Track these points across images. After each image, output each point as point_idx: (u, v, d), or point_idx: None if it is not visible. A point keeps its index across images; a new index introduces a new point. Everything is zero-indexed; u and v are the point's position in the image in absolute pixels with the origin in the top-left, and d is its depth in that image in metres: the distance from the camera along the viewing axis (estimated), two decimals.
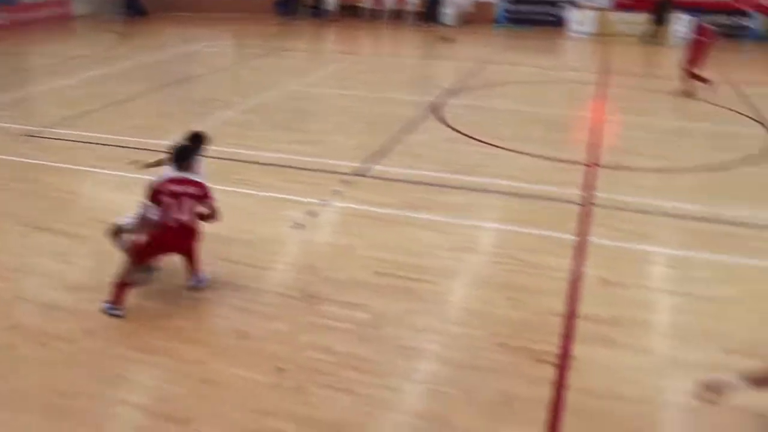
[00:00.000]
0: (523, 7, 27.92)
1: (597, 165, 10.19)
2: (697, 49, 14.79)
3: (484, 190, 9.09)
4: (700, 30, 14.98)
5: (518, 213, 8.36)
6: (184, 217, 5.90)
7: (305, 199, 8.59)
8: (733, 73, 18.26)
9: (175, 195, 5.89)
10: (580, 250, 7.37)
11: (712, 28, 15.03)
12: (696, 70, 14.76)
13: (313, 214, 8.22)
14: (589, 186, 9.28)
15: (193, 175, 5.90)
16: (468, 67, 18.41)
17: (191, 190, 5.94)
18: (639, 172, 10.02)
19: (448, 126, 12.24)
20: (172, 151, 5.78)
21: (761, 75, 18.33)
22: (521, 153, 10.71)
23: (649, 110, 14.05)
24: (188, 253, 6.18)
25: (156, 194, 5.90)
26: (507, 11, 28.08)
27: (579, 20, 26.37)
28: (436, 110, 13.35)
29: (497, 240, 7.72)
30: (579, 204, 8.62)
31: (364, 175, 9.54)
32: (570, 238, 7.64)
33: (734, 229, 8.03)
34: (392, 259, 7.09)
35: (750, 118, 13.46)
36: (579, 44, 24.75)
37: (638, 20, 25.39)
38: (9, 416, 4.81)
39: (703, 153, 11.13)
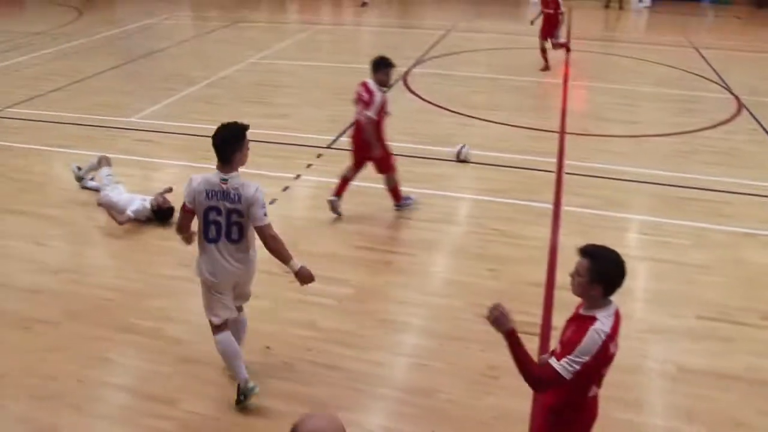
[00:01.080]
0: None
1: (567, 132, 10.31)
2: (545, 22, 14.06)
3: (458, 161, 9.14)
4: (541, 2, 14.25)
5: (493, 182, 8.44)
6: None
7: (279, 174, 8.55)
8: (695, 37, 18.54)
9: None
10: (555, 218, 7.49)
11: None
12: (546, 43, 14.04)
13: (288, 189, 8.19)
14: (561, 154, 9.39)
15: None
16: (433, 35, 18.33)
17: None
18: (608, 138, 10.16)
19: (418, 96, 12.23)
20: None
21: (721, 39, 18.61)
22: (492, 122, 10.78)
23: (614, 76, 14.20)
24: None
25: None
26: None
27: None
28: (405, 80, 13.30)
29: (473, 210, 7.80)
30: (552, 172, 8.72)
31: (337, 148, 9.52)
32: (545, 206, 7.76)
33: (704, 194, 8.23)
34: (370, 233, 7.12)
35: (715, 83, 13.70)
36: (538, 9, 24.81)
37: None
38: None
39: (671, 118, 11.32)
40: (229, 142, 4.28)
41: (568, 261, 6.49)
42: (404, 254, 6.75)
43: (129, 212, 7.24)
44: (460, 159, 8.99)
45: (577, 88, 13.26)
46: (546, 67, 14.09)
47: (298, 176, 8.55)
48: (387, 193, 7.60)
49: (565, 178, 8.55)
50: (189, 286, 5.77)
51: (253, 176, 8.22)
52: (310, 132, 10.17)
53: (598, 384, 3.21)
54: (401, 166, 8.74)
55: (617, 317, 3.13)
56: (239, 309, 4.86)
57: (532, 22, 14.36)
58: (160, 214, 7.35)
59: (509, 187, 8.28)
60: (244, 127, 4.32)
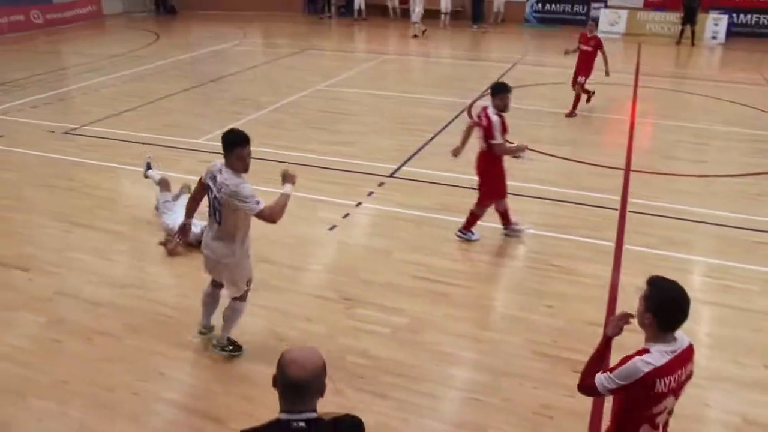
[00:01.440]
0: (552, 6, 27.71)
1: (633, 169, 10.11)
2: (581, 60, 13.22)
3: (519, 194, 9.05)
4: (581, 37, 13.27)
5: (554, 218, 8.32)
6: None
7: (341, 201, 8.64)
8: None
9: None
10: (616, 257, 7.32)
11: (593, 33, 13.07)
12: (579, 84, 13.21)
13: (349, 215, 8.27)
14: (625, 191, 9.20)
15: None
16: (499, 68, 18.32)
17: None
18: (676, 177, 9.91)
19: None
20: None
21: None
22: (555, 156, 10.66)
23: (684, 113, 13.88)
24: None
25: None
26: (536, 10, 27.91)
27: (609, 20, 26.15)
28: (469, 112, 13.32)
29: (533, 245, 7.70)
30: (615, 209, 8.55)
31: (399, 177, 9.58)
32: (606, 244, 7.60)
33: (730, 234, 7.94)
34: (428, 263, 7.10)
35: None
36: (610, 44, 24.50)
37: (669, 20, 25.14)
38: (53, 406, 4.92)
39: (742, 158, 10.98)
40: (223, 144, 4.90)
41: (629, 301, 6.40)
42: (462, 287, 6.70)
43: (175, 239, 7.07)
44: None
45: (645, 125, 13.01)
46: (572, 113, 13.14)
47: (359, 204, 8.62)
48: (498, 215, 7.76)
49: (629, 216, 8.37)
50: (248, 308, 5.86)
51: (315, 202, 8.46)
52: (374, 160, 10.26)
53: (652, 425, 3.12)
54: (463, 198, 8.74)
55: (681, 358, 3.05)
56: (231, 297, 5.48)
57: (566, 53, 13.56)
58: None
59: (571, 223, 8.15)
60: (235, 140, 4.86)
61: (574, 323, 6.06)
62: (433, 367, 5.47)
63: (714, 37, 24.23)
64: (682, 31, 23.64)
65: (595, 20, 13.56)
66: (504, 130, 7.19)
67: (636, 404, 2.99)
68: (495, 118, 7.08)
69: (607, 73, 13.15)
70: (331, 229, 7.89)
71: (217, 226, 5.11)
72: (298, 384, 2.47)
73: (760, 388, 5.31)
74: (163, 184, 8.12)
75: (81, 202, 8.67)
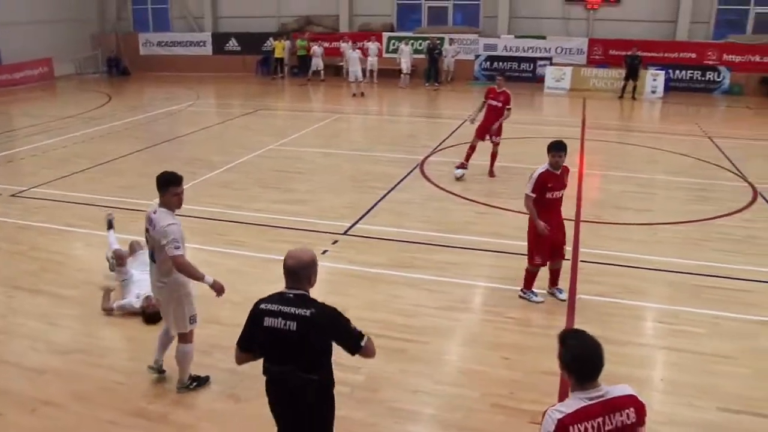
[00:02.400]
0: (499, 64, 28.58)
1: (583, 220, 10.33)
2: (488, 115, 12.72)
3: (473, 248, 9.15)
4: (490, 92, 12.79)
5: (507, 270, 8.40)
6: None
7: None
8: (708, 126, 18.76)
9: None
10: (570, 306, 7.41)
11: (502, 88, 12.61)
12: (495, 143, 12.95)
13: None
14: (576, 241, 9.37)
15: None
16: (450, 125, 18.73)
17: None
18: (623, 226, 10.16)
19: (434, 184, 12.38)
20: None
21: (734, 129, 18.81)
22: (508, 210, 10.84)
23: (629, 164, 14.33)
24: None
25: None
26: (484, 68, 28.75)
27: (555, 76, 27.09)
28: (422, 168, 13.52)
29: (488, 298, 7.75)
30: (567, 260, 8.68)
31: (352, 235, 9.60)
32: (560, 295, 7.68)
33: (722, 282, 8.13)
34: (384, 319, 7.06)
35: (729, 171, 13.77)
36: (555, 100, 25.30)
37: (611, 75, 26.18)
38: None
39: (685, 206, 11.35)
40: (157, 184, 5.47)
41: None
42: (418, 342, 6.67)
43: (115, 305, 7.14)
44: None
45: (593, 177, 13.36)
46: (463, 165, 12.73)
47: None
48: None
49: (581, 266, 8.51)
50: (199, 370, 5.72)
51: (267, 261, 8.39)
52: (327, 218, 10.28)
53: None
54: (415, 253, 8.79)
55: (607, 405, 3.08)
56: (177, 338, 5.80)
57: (472, 121, 12.98)
58: (146, 316, 7.05)
59: (516, 276, 8.20)
60: (169, 179, 5.45)
61: (532, 374, 6.07)
62: (392, 426, 5.38)
63: (653, 92, 25.30)
64: (624, 86, 24.62)
65: (503, 74, 13.41)
66: (543, 186, 7.25)
67: None
68: (538, 171, 7.27)
69: (493, 131, 12.61)
70: None
71: (154, 264, 5.51)
72: (293, 270, 3.89)
73: (714, 430, 5.36)
74: (119, 259, 7.70)
75: (26, 266, 8.42)
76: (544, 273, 7.68)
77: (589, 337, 3.19)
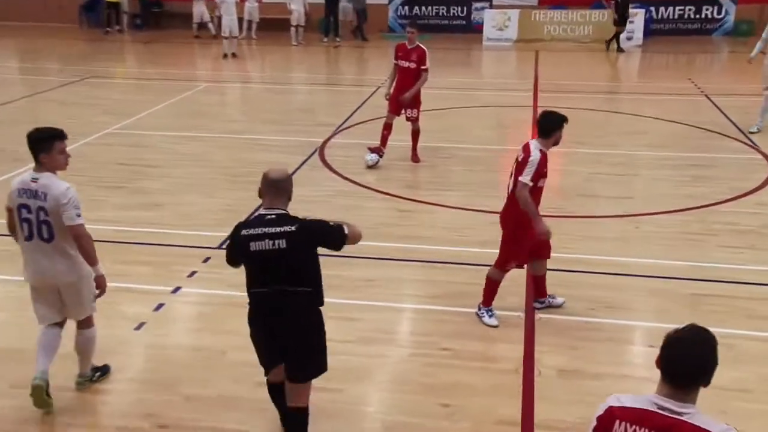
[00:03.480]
0: (422, 9, 28.97)
1: (542, 215, 10.57)
2: (399, 81, 12.94)
3: (395, 259, 9.25)
4: (398, 50, 12.93)
5: (443, 286, 8.53)
6: None
7: (150, 287, 8.48)
8: (706, 81, 19.52)
9: None
10: (528, 330, 7.59)
11: (414, 43, 12.71)
12: (412, 118, 13.08)
13: (162, 307, 8.10)
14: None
15: None
16: (357, 94, 18.85)
17: None
18: (596, 220, 10.54)
19: (340, 175, 12.43)
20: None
21: (741, 82, 19.43)
22: (440, 206, 11.02)
23: (599, 137, 14.82)
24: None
25: None
26: (401, 15, 29.09)
27: (497, 23, 27.64)
28: (321, 154, 13.59)
29: (417, 324, 7.84)
30: (521, 268, 8.90)
31: None
32: (513, 314, 7.87)
33: (728, 289, 8.48)
34: None
35: (735, 139, 14.48)
36: (498, 55, 25.90)
37: (572, 20, 26.87)
38: None
39: (678, 189, 11.84)
40: (35, 144, 5.88)
41: (551, 387, 6.64)
42: (327, 390, 6.65)
43: None
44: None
45: (551, 157, 13.70)
46: (378, 149, 12.97)
47: (177, 289, 8.48)
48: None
49: None
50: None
51: (115, 291, 8.20)
52: (195, 227, 10.19)
53: None
54: (322, 269, 8.79)
55: (665, 420, 3.33)
56: (78, 324, 6.41)
57: (387, 96, 13.08)
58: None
59: (466, 291, 8.34)
60: (53, 134, 5.95)
61: (483, 425, 6.19)
62: None
63: (629, 38, 26.00)
64: (617, 34, 25.06)
65: (414, 23, 13.36)
66: (540, 173, 7.38)
67: None
68: (536, 154, 7.34)
69: (403, 102, 12.75)
70: (137, 327, 7.68)
71: (47, 244, 5.97)
72: (275, 183, 5.27)
73: None
74: None
75: None
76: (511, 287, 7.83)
77: (696, 332, 3.45)
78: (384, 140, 12.97)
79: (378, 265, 9.08)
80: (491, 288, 7.78)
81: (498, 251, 7.78)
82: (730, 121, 15.67)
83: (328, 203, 11.06)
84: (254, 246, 5.09)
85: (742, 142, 14.35)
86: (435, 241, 9.74)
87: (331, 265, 8.85)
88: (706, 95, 18.02)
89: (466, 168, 12.95)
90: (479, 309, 7.83)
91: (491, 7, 28.25)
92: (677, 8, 27.11)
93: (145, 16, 28.73)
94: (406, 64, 12.72)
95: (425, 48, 12.80)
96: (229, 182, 12.16)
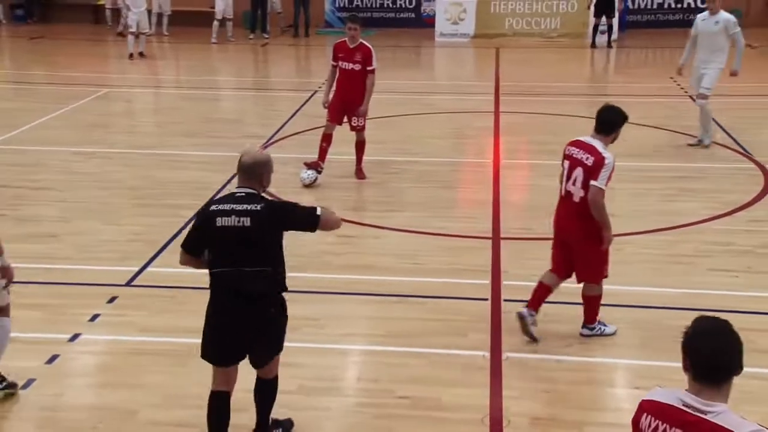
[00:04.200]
0: (363, 1, 29.06)
1: (504, 236, 10.69)
2: (342, 82, 13.02)
3: (339, 293, 9.19)
4: (338, 48, 13.06)
5: (396, 323, 8.48)
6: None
7: (42, 335, 8.33)
8: (687, 79, 19.83)
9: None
10: (494, 372, 7.58)
11: (357, 40, 12.81)
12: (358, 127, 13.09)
13: (56, 359, 7.95)
14: (496, 270, 9.65)
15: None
16: (290, 101, 18.83)
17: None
18: None
19: (272, 195, 12.31)
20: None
21: (731, 80, 19.79)
22: (390, 229, 11.02)
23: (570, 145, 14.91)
24: None
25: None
26: (339, 7, 29.16)
27: (451, 16, 27.77)
28: None
29: (369, 369, 7.79)
30: (485, 300, 8.90)
31: (142, 285, 9.44)
32: (478, 355, 7.86)
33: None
34: (199, 421, 6.95)
35: (725, 146, 14.73)
36: (452, 53, 26.08)
37: (538, 11, 27.14)
38: None
39: (659, 205, 12.01)
40: None
41: None
42: None
43: None
44: None
45: (516, 170, 13.84)
46: (316, 164, 12.89)
47: (76, 336, 8.33)
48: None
49: (506, 308, 8.72)
50: None
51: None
52: (97, 262, 10.06)
53: None
54: None
55: (690, 418, 3.58)
56: None
57: (326, 105, 13.05)
58: None
59: (423, 328, 8.36)
60: None
61: None
62: None
63: (603, 32, 26.36)
64: (597, 27, 25.35)
65: (356, 18, 13.21)
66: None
67: None
68: (611, 155, 7.68)
69: (359, 115, 12.83)
70: (25, 386, 7.46)
71: None
72: (246, 167, 5.89)
73: None
74: None
75: None
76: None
77: (722, 325, 3.78)
78: (323, 154, 12.92)
79: (319, 301, 9.00)
80: (594, 305, 8.16)
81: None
82: (719, 125, 15.89)
83: None
84: (220, 221, 5.75)
85: (732, 149, 14.59)
86: (385, 270, 9.71)
87: None
88: (691, 96, 18.29)
89: (419, 185, 12.95)
90: (591, 329, 8.17)
91: None
92: None
93: (30, 5, 28.13)
94: (348, 65, 12.73)
95: (370, 46, 12.84)
96: (137, 206, 12.03)
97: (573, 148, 7.90)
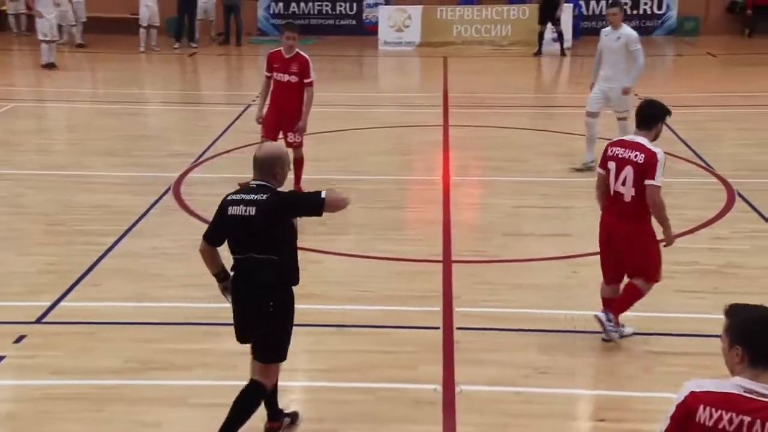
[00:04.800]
0: (300, 6, 29.04)
1: (455, 260, 10.66)
2: (275, 97, 13.20)
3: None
4: (272, 58, 13.11)
5: (339, 356, 8.40)
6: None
7: None
8: (649, 88, 19.96)
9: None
10: (448, 409, 7.49)
11: (293, 50, 12.83)
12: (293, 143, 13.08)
13: None
14: (447, 297, 9.61)
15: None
16: (221, 115, 18.74)
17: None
18: (523, 263, 10.64)
19: (202, 219, 12.10)
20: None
21: (692, 90, 20.12)
22: (332, 254, 10.97)
23: (524, 161, 15.08)
24: None
25: None
26: (274, 14, 29.10)
27: (395, 22, 27.81)
28: (177, 193, 13.41)
29: (310, 408, 7.67)
30: (437, 329, 8.86)
31: (54, 322, 9.26)
32: (428, 389, 7.79)
33: (690, 345, 8.62)
34: None
35: (686, 160, 14.89)
36: (397, 62, 26.16)
37: (488, 17, 27.33)
38: None
39: None
40: None
41: None
42: None
43: None
44: None
45: (467, 187, 13.87)
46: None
47: None
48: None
49: (458, 336, 8.70)
50: None
51: None
52: (1, 297, 9.88)
53: None
54: (183, 344, 8.63)
55: (756, 404, 3.74)
56: None
57: (259, 120, 13.18)
58: None
59: (369, 362, 8.29)
60: None
61: None
62: None
63: (555, 40, 26.62)
64: (542, 35, 25.61)
65: (293, 26, 13.29)
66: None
67: None
68: (659, 151, 8.09)
69: (298, 131, 12.93)
70: None
71: None
72: (257, 162, 6.58)
73: None
74: None
75: None
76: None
77: (762, 308, 3.96)
78: None
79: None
80: (632, 300, 8.50)
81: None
82: (678, 137, 16.09)
83: (187, 256, 10.82)
84: (231, 210, 6.42)
85: (694, 163, 14.77)
86: (327, 299, 9.63)
87: (192, 337, 8.74)
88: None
89: (363, 205, 12.87)
90: (615, 329, 8.39)
91: (387, 3, 28.45)
92: (611, 3, 27.96)
93: None
94: (284, 77, 12.74)
95: (307, 56, 12.84)
96: (49, 234, 11.88)
97: (617, 148, 8.30)
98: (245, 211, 6.34)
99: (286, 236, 6.50)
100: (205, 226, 11.60)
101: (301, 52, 12.82)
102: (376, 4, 28.59)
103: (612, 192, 8.28)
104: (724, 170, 14.13)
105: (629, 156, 8.05)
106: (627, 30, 14.38)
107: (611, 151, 8.27)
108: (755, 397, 3.75)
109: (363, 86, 23.65)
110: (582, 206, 12.74)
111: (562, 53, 25.85)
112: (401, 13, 27.78)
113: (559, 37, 25.91)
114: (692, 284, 9.98)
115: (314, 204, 6.37)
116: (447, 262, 10.56)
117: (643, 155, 7.98)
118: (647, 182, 7.96)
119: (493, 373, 8.05)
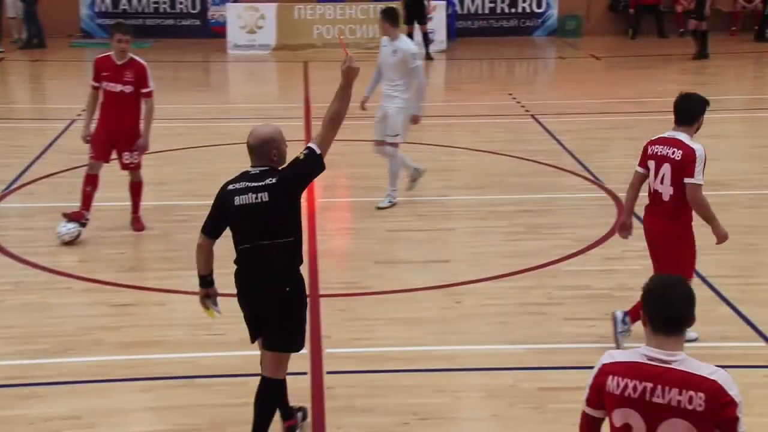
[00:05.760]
0: (132, 3, 28.76)
1: (324, 293, 10.76)
2: (105, 111, 12.73)
3: (116, 379, 8.95)
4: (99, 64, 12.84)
5: (192, 413, 8.31)
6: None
7: None
8: (530, 94, 20.47)
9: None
10: None
11: (127, 56, 12.59)
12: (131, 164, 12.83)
13: None
14: (315, 338, 9.61)
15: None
16: (40, 133, 18.52)
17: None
18: (401, 296, 10.74)
19: (16, 258, 11.96)
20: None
21: (575, 96, 20.51)
22: (178, 293, 10.86)
23: (399, 180, 15.08)
24: None
25: None
26: (99, 13, 28.67)
27: (246, 23, 27.73)
28: None
29: None
30: (302, 374, 8.87)
31: None
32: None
33: (579, 379, 8.63)
34: None
35: (572, 173, 15.26)
36: (250, 69, 26.13)
37: (352, 16, 27.43)
38: None
39: (503, 245, 12.31)
40: None
41: None
42: None
43: None
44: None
45: (333, 210, 13.93)
46: (79, 214, 12.48)
47: None
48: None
49: (328, 382, 8.76)
50: None
51: None
52: None
53: None
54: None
55: (657, 370, 4.35)
56: None
57: (87, 138, 12.73)
58: None
59: (223, 417, 8.24)
60: None
61: None
62: None
63: (431, 41, 26.81)
64: (411, 36, 25.84)
65: (125, 27, 13.09)
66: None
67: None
68: (699, 147, 8.51)
69: (137, 150, 12.71)
70: None
71: None
72: (251, 148, 7.15)
73: None
74: None
75: None
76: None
77: (675, 280, 4.64)
78: (87, 200, 12.55)
79: (85, 393, 8.75)
80: None
81: None
82: (565, 148, 16.46)
83: (1, 303, 10.63)
84: (238, 200, 6.94)
85: (581, 176, 15.12)
86: (173, 346, 9.57)
87: (8, 401, 8.52)
88: (532, 116, 18.84)
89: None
90: (625, 332, 9.00)
91: (236, 0, 28.25)
92: (488, 3, 28.28)
93: None
94: (116, 87, 12.41)
95: (144, 62, 12.65)
96: None
97: (656, 146, 8.80)
98: (256, 198, 6.85)
99: (298, 213, 7.15)
100: (22, 267, 11.70)
101: (136, 58, 12.59)
102: (223, 2, 28.35)
103: (652, 190, 8.82)
104: (613, 183, 14.43)
105: (667, 153, 8.53)
106: (405, 43, 13.98)
107: (651, 150, 8.77)
108: (656, 363, 4.35)
109: (211, 96, 23.46)
110: (461, 227, 12.95)
111: (428, 57, 25.84)
112: (253, 12, 27.54)
113: (425, 38, 26.06)
114: (583, 311, 10.19)
115: (316, 161, 7.03)
116: (314, 296, 10.48)
117: (681, 152, 8.44)
118: (686, 180, 8.45)
119: (369, 422, 8.10)
